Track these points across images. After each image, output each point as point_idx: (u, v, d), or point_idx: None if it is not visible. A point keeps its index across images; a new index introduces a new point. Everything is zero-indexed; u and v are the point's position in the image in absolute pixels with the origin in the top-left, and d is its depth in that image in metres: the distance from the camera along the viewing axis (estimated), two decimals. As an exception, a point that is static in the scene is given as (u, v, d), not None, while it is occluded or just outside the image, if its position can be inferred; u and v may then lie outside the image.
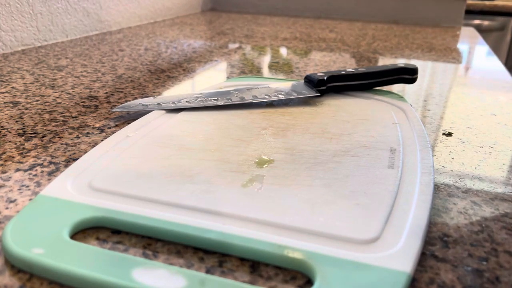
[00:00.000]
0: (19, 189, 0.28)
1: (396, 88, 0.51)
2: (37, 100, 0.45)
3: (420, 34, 0.99)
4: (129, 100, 0.46)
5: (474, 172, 0.32)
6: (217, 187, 0.27)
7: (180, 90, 0.51)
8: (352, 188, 0.27)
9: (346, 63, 0.67)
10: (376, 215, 0.25)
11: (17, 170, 0.31)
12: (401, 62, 0.69)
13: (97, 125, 0.39)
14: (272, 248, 0.22)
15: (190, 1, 1.30)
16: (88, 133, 0.37)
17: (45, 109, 0.43)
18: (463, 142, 0.38)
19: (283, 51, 0.77)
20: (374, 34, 0.97)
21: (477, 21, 2.09)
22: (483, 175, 0.32)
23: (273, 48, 0.80)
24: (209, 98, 0.43)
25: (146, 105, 0.41)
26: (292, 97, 0.44)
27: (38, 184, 0.29)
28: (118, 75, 0.57)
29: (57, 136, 0.37)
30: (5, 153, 0.33)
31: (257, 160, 0.31)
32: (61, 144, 0.35)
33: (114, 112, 0.42)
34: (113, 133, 0.36)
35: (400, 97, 0.46)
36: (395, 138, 0.35)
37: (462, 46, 0.86)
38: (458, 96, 0.51)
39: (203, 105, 0.41)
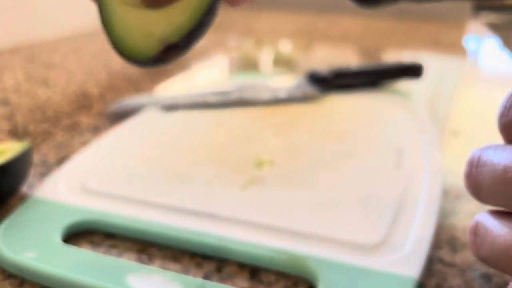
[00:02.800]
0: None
1: (402, 86, 0.50)
2: (29, 99, 0.45)
3: (426, 29, 0.98)
4: (124, 98, 0.45)
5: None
6: (215, 188, 0.27)
7: (177, 88, 0.50)
8: (356, 190, 0.27)
9: (349, 60, 0.66)
10: (381, 218, 0.24)
11: (9, 170, 0.30)
12: (406, 58, 0.67)
13: (91, 124, 0.38)
14: (272, 252, 0.21)
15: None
16: (81, 132, 0.37)
17: (37, 107, 0.42)
18: (472, 141, 0.37)
19: (285, 46, 0.77)
20: (379, 29, 0.96)
21: (486, 17, 2.09)
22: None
23: (274, 43, 0.79)
24: (207, 96, 0.42)
25: (142, 104, 0.40)
26: (294, 94, 0.43)
27: (30, 185, 0.28)
28: (113, 72, 0.56)
29: (49, 136, 0.36)
30: (-4, 152, 0.32)
31: (257, 161, 0.30)
32: (54, 144, 0.34)
33: (108, 110, 0.41)
34: (107, 132, 0.36)
35: (406, 95, 0.45)
36: (401, 138, 0.35)
37: (471, 42, 0.85)
38: (467, 94, 0.50)
39: (200, 103, 0.41)
